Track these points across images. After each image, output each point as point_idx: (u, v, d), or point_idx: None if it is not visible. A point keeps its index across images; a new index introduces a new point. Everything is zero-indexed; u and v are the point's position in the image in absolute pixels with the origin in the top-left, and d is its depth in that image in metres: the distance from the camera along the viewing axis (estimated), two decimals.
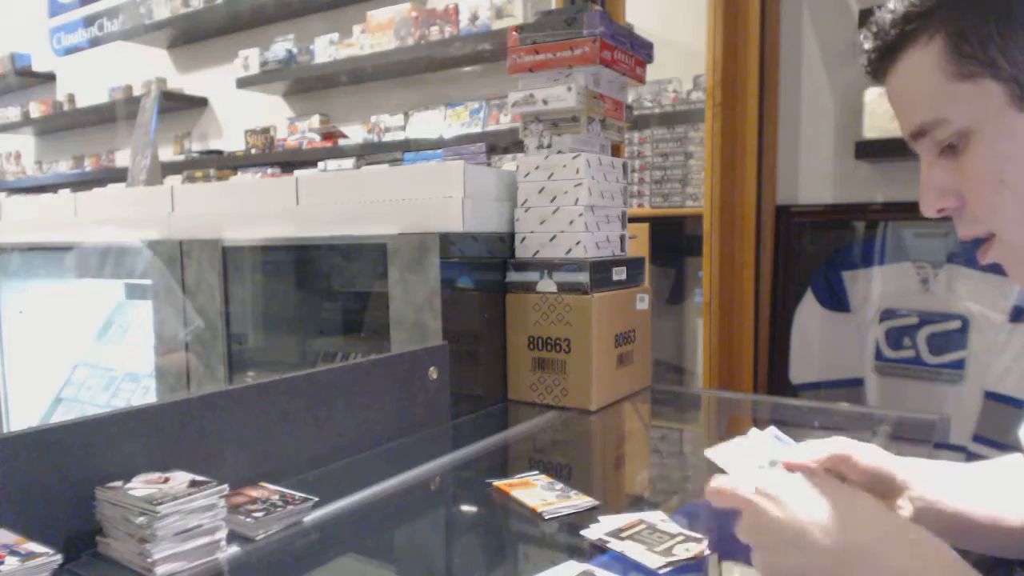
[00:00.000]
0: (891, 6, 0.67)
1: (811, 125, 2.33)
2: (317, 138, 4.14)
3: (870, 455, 0.76)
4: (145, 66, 5.09)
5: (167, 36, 4.88)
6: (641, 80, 1.58)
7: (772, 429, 0.79)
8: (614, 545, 0.79)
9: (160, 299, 1.76)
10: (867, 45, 0.70)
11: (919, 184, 0.71)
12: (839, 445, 0.75)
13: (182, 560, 0.73)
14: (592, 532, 0.83)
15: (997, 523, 0.76)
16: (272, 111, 4.57)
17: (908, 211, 2.17)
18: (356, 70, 3.95)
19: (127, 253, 1.82)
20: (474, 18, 3.44)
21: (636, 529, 0.83)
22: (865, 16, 2.09)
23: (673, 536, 0.81)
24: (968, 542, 0.78)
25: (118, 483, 0.76)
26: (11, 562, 0.63)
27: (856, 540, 0.60)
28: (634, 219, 1.65)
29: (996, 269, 0.71)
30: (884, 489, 0.76)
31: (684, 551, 0.77)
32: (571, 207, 1.41)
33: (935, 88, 0.65)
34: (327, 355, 1.80)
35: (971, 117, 0.64)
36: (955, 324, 2.00)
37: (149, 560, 0.71)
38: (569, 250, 1.42)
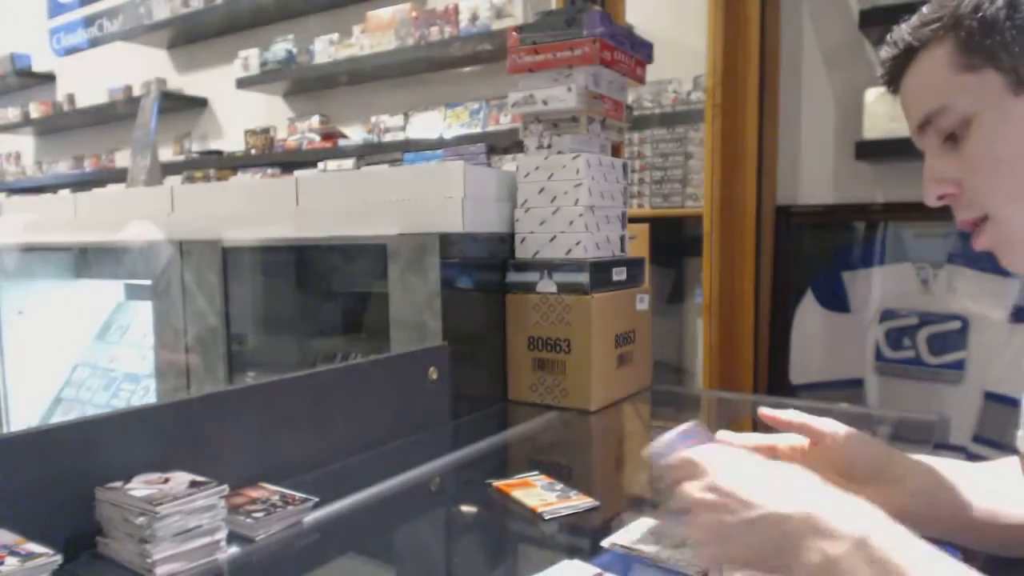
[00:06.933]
0: (909, 20, 0.75)
1: (811, 125, 2.33)
2: (317, 138, 4.14)
3: (857, 437, 0.79)
4: (145, 66, 5.09)
5: (167, 36, 4.88)
6: (641, 80, 1.58)
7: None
8: (643, 551, 0.77)
9: (163, 297, 1.76)
10: (884, 55, 0.77)
11: (922, 177, 0.76)
12: (826, 422, 0.79)
13: (182, 560, 0.73)
14: (613, 539, 0.81)
15: (995, 519, 0.77)
16: (272, 111, 4.56)
17: (908, 211, 2.17)
18: (356, 70, 3.95)
19: (147, 250, 1.81)
20: (474, 18, 3.44)
21: (638, 533, 0.82)
22: (865, 16, 2.09)
23: (676, 538, 0.80)
24: (966, 539, 0.79)
25: (118, 483, 0.76)
26: (11, 562, 0.63)
27: (803, 509, 0.59)
28: (634, 219, 1.65)
29: (996, 269, 0.73)
30: (870, 475, 0.77)
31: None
32: (571, 207, 1.41)
33: (942, 80, 0.72)
34: (327, 355, 1.80)
35: (972, 103, 0.70)
36: (955, 324, 2.00)
37: (149, 560, 0.71)
38: (569, 250, 1.42)
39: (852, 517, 0.57)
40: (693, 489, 0.65)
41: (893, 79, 0.78)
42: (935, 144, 0.75)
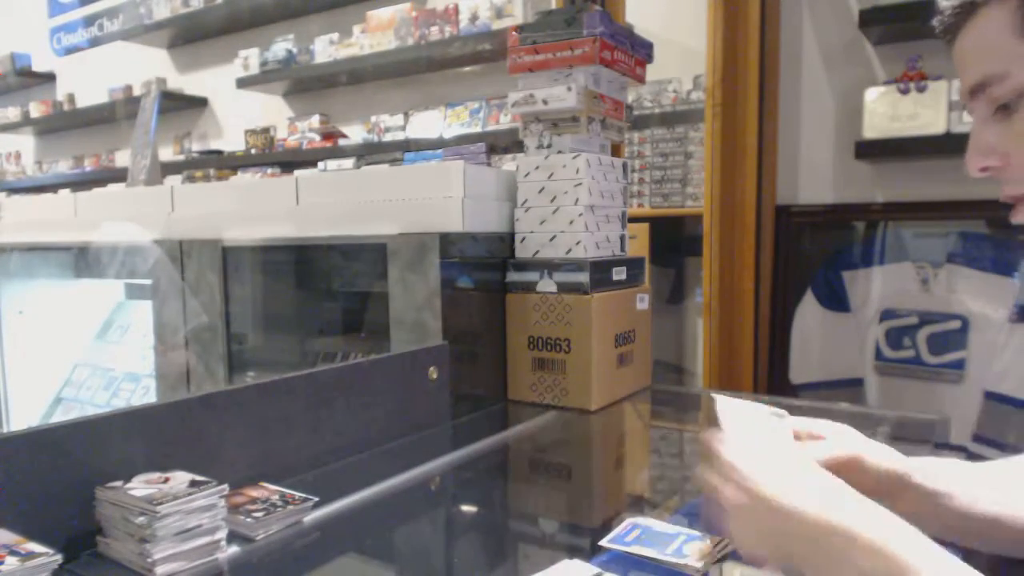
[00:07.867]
0: None
1: (811, 125, 2.33)
2: (317, 138, 4.14)
3: (879, 455, 0.77)
4: (145, 66, 5.09)
5: (167, 36, 4.88)
6: (641, 80, 1.58)
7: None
8: (630, 549, 0.78)
9: (162, 296, 1.76)
10: (944, 3, 0.72)
11: (968, 145, 0.73)
12: (847, 442, 0.76)
13: (182, 560, 0.73)
14: (611, 539, 0.81)
15: (1000, 522, 0.76)
16: (272, 111, 4.56)
17: (908, 211, 2.17)
18: (356, 70, 3.95)
19: (134, 251, 1.81)
20: (474, 18, 3.44)
21: (636, 533, 0.82)
22: (865, 16, 2.09)
23: (675, 537, 0.80)
24: (969, 540, 0.78)
25: (118, 483, 0.76)
26: (11, 562, 0.63)
27: (836, 520, 0.59)
28: (634, 219, 1.65)
29: (996, 269, 0.72)
30: (892, 488, 0.76)
31: (695, 550, 0.76)
32: (571, 207, 1.41)
33: (1003, 44, 0.67)
34: (327, 355, 1.80)
35: None
36: (955, 324, 2.00)
37: (149, 560, 0.71)
38: (569, 250, 1.42)
39: (883, 528, 0.57)
40: (712, 478, 0.66)
41: (949, 31, 0.73)
42: (985, 112, 0.71)
